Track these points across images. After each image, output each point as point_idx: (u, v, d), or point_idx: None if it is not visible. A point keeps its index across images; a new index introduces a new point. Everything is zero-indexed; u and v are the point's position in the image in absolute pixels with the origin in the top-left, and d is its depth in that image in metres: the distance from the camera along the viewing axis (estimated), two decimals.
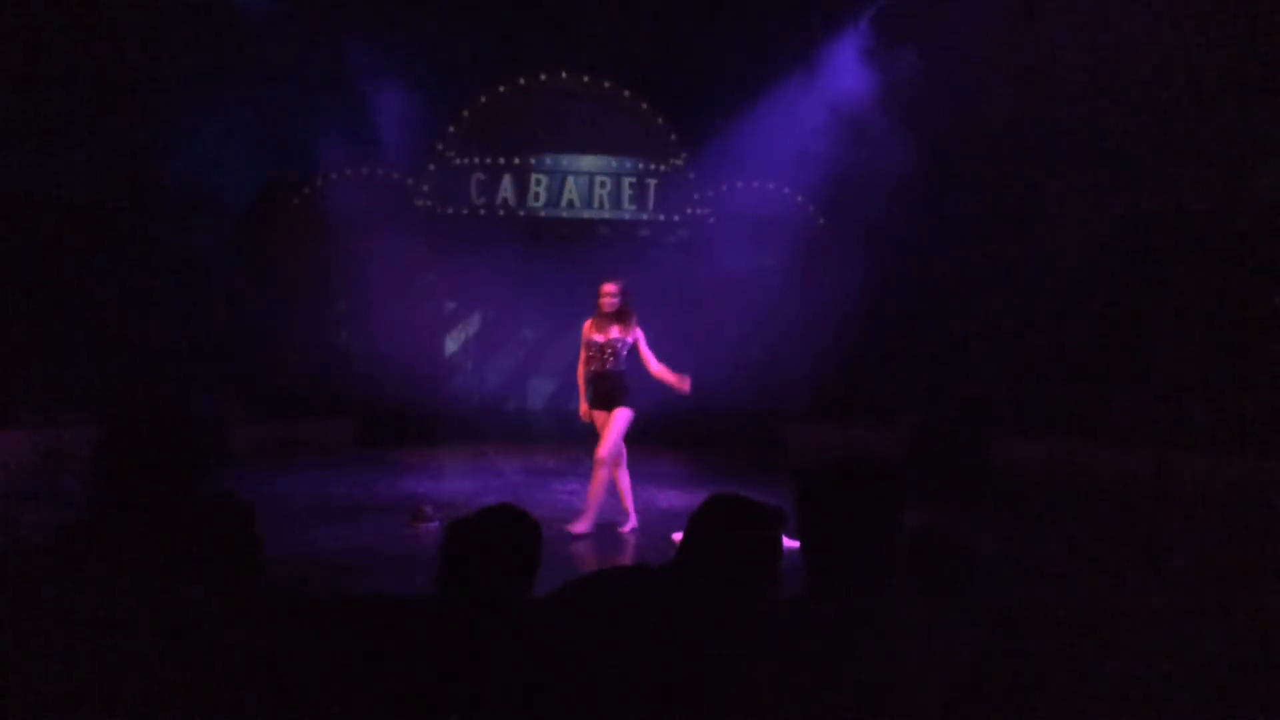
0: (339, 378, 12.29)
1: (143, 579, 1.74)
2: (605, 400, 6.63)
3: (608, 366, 6.64)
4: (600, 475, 6.54)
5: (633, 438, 6.72)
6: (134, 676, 1.65)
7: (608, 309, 6.68)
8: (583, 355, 6.81)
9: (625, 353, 6.69)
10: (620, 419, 6.56)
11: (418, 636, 2.06)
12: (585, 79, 12.92)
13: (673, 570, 2.10)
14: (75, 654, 1.65)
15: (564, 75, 12.91)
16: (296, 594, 3.38)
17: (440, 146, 12.85)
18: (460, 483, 8.80)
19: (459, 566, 2.15)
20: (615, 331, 6.66)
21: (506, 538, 2.20)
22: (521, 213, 12.89)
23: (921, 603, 2.73)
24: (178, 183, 10.82)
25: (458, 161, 12.89)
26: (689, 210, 12.94)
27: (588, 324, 6.80)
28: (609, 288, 6.69)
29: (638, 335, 6.70)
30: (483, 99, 12.91)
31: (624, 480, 6.78)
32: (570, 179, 12.91)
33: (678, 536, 6.59)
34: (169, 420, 1.91)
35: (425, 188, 12.85)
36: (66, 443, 9.14)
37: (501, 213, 12.86)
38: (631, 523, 6.76)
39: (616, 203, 12.99)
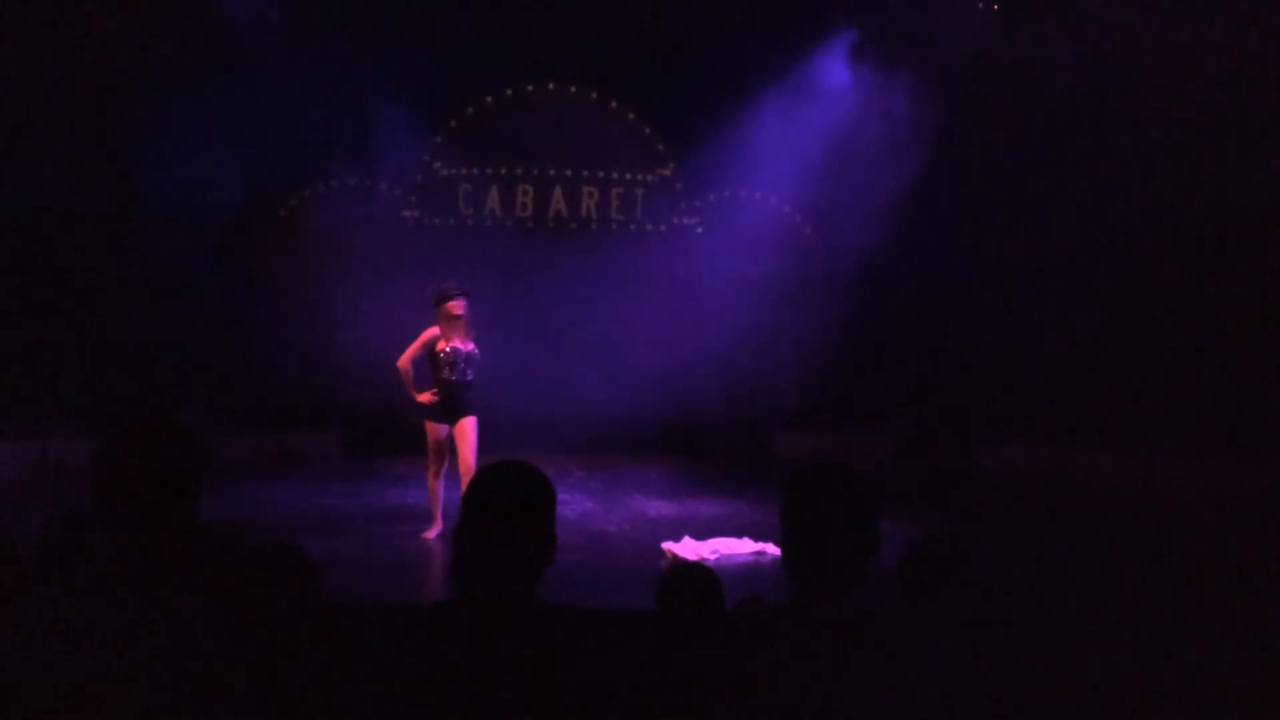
0: (326, 388, 12.24)
1: (136, 587, 1.76)
2: (458, 410, 6.69)
3: (467, 377, 6.71)
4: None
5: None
6: (127, 685, 1.67)
7: (463, 316, 6.73)
8: (411, 351, 6.78)
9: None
10: (475, 427, 6.70)
11: (411, 644, 2.09)
12: (572, 89, 12.95)
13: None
14: (62, 658, 1.66)
15: (551, 86, 12.94)
16: (293, 604, 3.39)
17: (427, 157, 12.84)
18: (449, 492, 8.76)
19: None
20: (472, 343, 6.73)
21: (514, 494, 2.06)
22: (509, 223, 12.89)
23: (909, 608, 2.77)
24: (164, 192, 10.78)
25: (445, 172, 12.88)
26: (676, 220, 12.97)
27: (437, 330, 6.76)
28: (460, 304, 6.71)
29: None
30: (469, 109, 12.92)
31: (439, 488, 6.86)
32: (557, 189, 12.93)
33: (667, 545, 6.64)
34: (166, 432, 1.92)
35: (412, 198, 12.84)
36: (52, 453, 9.09)
37: (489, 223, 12.86)
38: (438, 528, 6.77)
39: (604, 213, 13.02)
